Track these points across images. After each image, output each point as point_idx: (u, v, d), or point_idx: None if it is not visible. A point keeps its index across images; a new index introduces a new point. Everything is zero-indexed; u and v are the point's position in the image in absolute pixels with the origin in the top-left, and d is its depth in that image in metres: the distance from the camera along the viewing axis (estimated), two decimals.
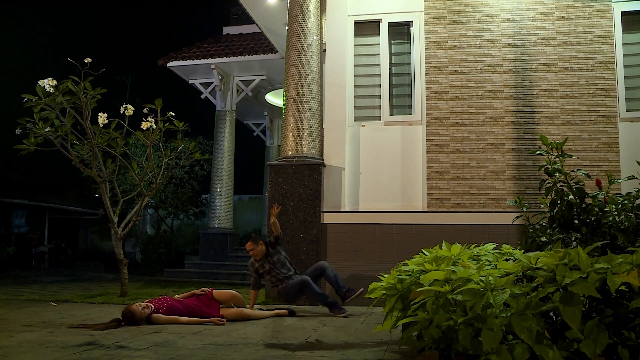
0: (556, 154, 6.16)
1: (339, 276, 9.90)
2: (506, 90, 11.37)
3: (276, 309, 9.30)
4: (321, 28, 12.13)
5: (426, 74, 11.73)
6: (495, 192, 11.11)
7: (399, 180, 11.62)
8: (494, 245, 6.21)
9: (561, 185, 6.12)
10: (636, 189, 5.80)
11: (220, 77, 19.95)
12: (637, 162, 5.97)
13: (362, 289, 9.48)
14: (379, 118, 12.00)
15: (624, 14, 11.44)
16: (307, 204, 11.09)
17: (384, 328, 5.42)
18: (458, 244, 5.81)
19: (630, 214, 5.64)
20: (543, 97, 11.24)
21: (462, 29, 11.71)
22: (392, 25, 12.31)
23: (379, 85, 12.12)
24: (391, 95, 12.09)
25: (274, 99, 22.84)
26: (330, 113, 11.88)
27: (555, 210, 6.19)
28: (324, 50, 12.18)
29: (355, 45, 12.36)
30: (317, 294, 9.45)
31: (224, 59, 19.56)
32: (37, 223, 33.34)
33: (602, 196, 5.98)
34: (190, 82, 21.14)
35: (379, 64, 12.22)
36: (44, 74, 11.02)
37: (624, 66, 11.31)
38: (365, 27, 12.42)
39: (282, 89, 12.11)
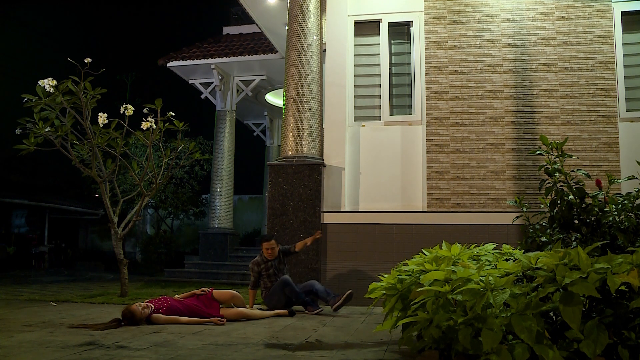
0: (556, 154, 6.16)
1: (329, 290, 9.99)
2: (506, 90, 11.38)
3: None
4: (321, 28, 12.13)
5: (426, 74, 11.73)
6: (495, 192, 11.11)
7: (399, 180, 11.62)
8: (494, 245, 6.22)
9: (561, 185, 6.13)
10: (636, 189, 5.80)
11: (220, 77, 19.95)
12: (637, 162, 5.97)
13: (349, 291, 9.61)
14: (379, 118, 12.00)
15: (624, 14, 11.44)
16: (307, 204, 11.10)
17: (384, 328, 5.43)
18: (458, 244, 5.81)
19: (630, 214, 5.64)
20: (543, 97, 11.25)
21: (462, 29, 11.71)
22: (392, 25, 12.32)
23: (379, 85, 12.13)
24: (391, 95, 12.09)
25: (274, 99, 22.85)
26: (330, 113, 11.88)
27: (555, 210, 6.19)
28: (324, 50, 12.19)
29: (355, 45, 12.36)
30: (296, 292, 9.56)
31: (224, 59, 19.56)
32: (37, 223, 33.31)
33: (602, 196, 5.99)
34: (190, 82, 21.15)
35: (379, 64, 12.22)
36: (44, 74, 11.02)
37: (624, 66, 11.32)
38: (365, 27, 12.43)
39: (282, 89, 12.12)
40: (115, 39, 50.82)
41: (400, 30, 12.34)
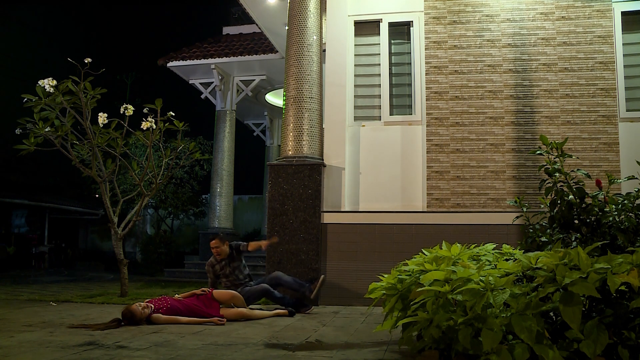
0: (556, 154, 6.16)
1: (297, 278, 10.04)
2: (506, 90, 11.38)
3: (276, 309, 9.31)
4: (321, 28, 12.12)
5: (426, 74, 11.73)
6: (495, 192, 11.11)
7: (399, 180, 11.62)
8: (494, 245, 6.21)
9: (561, 185, 6.12)
10: (636, 189, 5.80)
11: (220, 77, 19.97)
12: (637, 162, 5.97)
13: (322, 276, 9.92)
14: (379, 118, 12.00)
15: (624, 14, 11.44)
16: (307, 204, 11.09)
17: (384, 328, 5.43)
18: (458, 244, 5.81)
19: (630, 214, 5.64)
20: (543, 97, 11.25)
21: (462, 29, 11.71)
22: (392, 25, 12.32)
23: (379, 85, 12.13)
24: (391, 95, 12.09)
25: (274, 99, 22.87)
26: (330, 113, 11.88)
27: (555, 210, 6.19)
28: (324, 50, 12.18)
29: (355, 45, 12.36)
30: (278, 298, 9.61)
31: (224, 59, 19.58)
32: (37, 223, 33.33)
33: (602, 196, 5.99)
34: (190, 82, 21.17)
35: (379, 64, 12.22)
36: (44, 74, 11.03)
37: (624, 66, 11.31)
38: (365, 27, 12.43)
39: (282, 89, 12.11)
40: (115, 39, 50.83)
41: (400, 30, 12.34)
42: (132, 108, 11.49)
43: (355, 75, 12.24)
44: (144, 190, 12.37)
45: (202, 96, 21.10)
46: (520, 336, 4.10)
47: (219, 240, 10.18)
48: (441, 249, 5.84)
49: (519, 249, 6.29)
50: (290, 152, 11.36)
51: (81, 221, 36.49)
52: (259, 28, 16.48)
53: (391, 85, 12.14)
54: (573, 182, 6.07)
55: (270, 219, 11.25)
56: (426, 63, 11.77)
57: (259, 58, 19.16)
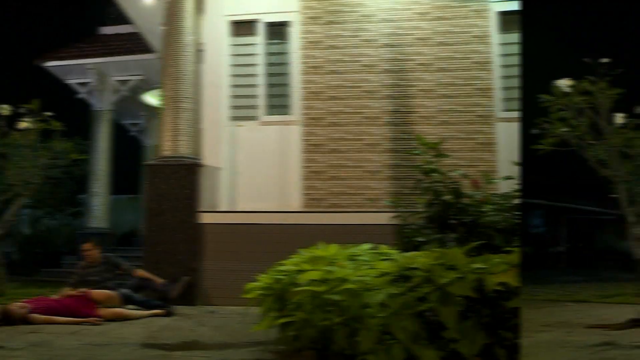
0: (432, 153, 6.27)
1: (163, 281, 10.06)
2: (383, 90, 11.48)
3: (153, 309, 9.25)
4: (198, 28, 12.07)
5: (303, 74, 11.82)
6: (372, 192, 11.17)
7: (277, 180, 11.68)
8: (371, 245, 6.27)
9: (437, 186, 6.23)
10: (512, 189, 5.94)
11: (97, 77, 19.76)
12: (513, 162, 6.12)
13: (186, 278, 10.19)
14: (257, 118, 12.05)
15: (499, 14, 11.54)
16: (185, 204, 11.02)
17: (261, 328, 5.51)
18: (336, 244, 5.86)
19: (507, 214, 5.78)
20: (420, 97, 11.37)
21: (339, 29, 11.78)
22: (269, 25, 12.32)
23: (257, 85, 12.19)
24: (269, 96, 12.15)
25: (152, 99, 22.59)
26: (208, 113, 11.88)
27: (432, 210, 6.29)
28: (202, 50, 12.14)
29: (232, 45, 12.36)
30: (141, 302, 9.45)
31: (101, 59, 19.47)
32: None
33: (480, 196, 6.11)
34: (67, 82, 20.87)
35: (257, 64, 12.27)
36: None
37: (500, 66, 11.47)
38: (243, 27, 12.42)
39: (160, 89, 12.05)
40: None
41: (278, 31, 12.36)
42: (9, 107, 11.37)
43: (232, 76, 12.24)
44: (21, 191, 12.17)
45: (79, 96, 20.83)
46: (397, 336, 4.15)
47: (91, 244, 10.18)
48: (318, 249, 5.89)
49: (396, 249, 6.37)
50: (167, 152, 11.27)
51: None
52: (136, 28, 16.25)
53: (269, 86, 12.19)
54: (450, 182, 6.18)
55: (148, 219, 11.21)
56: (303, 63, 11.85)
57: (136, 58, 19.05)
